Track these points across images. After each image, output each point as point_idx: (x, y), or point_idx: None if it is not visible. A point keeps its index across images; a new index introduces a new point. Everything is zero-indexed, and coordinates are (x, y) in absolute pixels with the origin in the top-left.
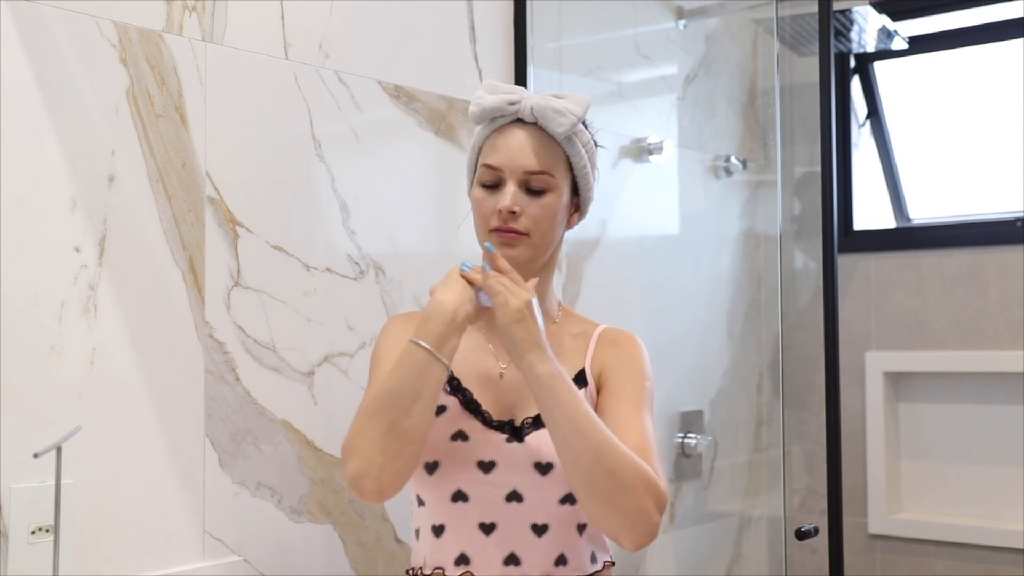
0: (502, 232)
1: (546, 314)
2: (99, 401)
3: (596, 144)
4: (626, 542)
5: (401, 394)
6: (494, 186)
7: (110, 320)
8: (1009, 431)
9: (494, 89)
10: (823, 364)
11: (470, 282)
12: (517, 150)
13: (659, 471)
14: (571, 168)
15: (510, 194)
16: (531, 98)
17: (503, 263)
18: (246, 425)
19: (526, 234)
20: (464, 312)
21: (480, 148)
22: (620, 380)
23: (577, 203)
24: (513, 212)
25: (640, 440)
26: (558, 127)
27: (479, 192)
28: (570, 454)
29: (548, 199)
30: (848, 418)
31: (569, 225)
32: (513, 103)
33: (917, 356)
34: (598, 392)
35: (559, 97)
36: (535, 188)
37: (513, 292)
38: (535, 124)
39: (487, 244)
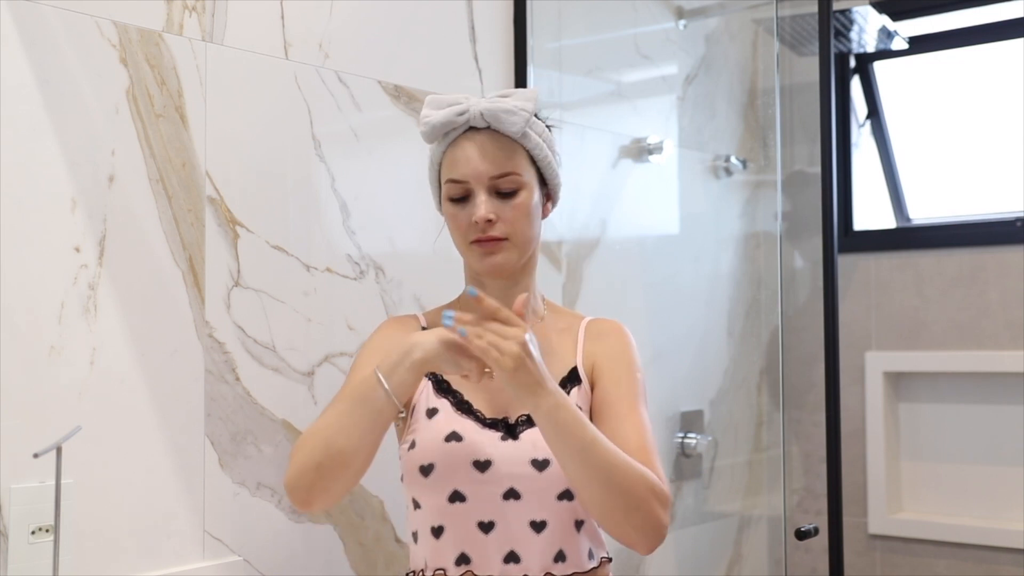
0: (482, 242)
1: (532, 313)
2: (99, 401)
3: (549, 128)
4: (641, 549)
5: (339, 420)
6: (463, 199)
7: (110, 320)
8: (1009, 431)
9: (438, 104)
10: (823, 364)
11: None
12: (478, 159)
13: (660, 471)
14: (534, 162)
15: (482, 203)
16: (478, 103)
17: (489, 304)
18: (246, 425)
19: (506, 239)
20: (420, 353)
21: (439, 165)
22: (614, 377)
23: (547, 192)
24: (489, 220)
25: (640, 439)
26: (512, 127)
27: (451, 208)
28: (581, 481)
29: (520, 198)
30: (848, 418)
31: (544, 214)
32: (461, 113)
33: (917, 356)
34: (592, 387)
35: (505, 96)
36: (505, 191)
37: (502, 344)
38: (488, 128)
39: (468, 289)
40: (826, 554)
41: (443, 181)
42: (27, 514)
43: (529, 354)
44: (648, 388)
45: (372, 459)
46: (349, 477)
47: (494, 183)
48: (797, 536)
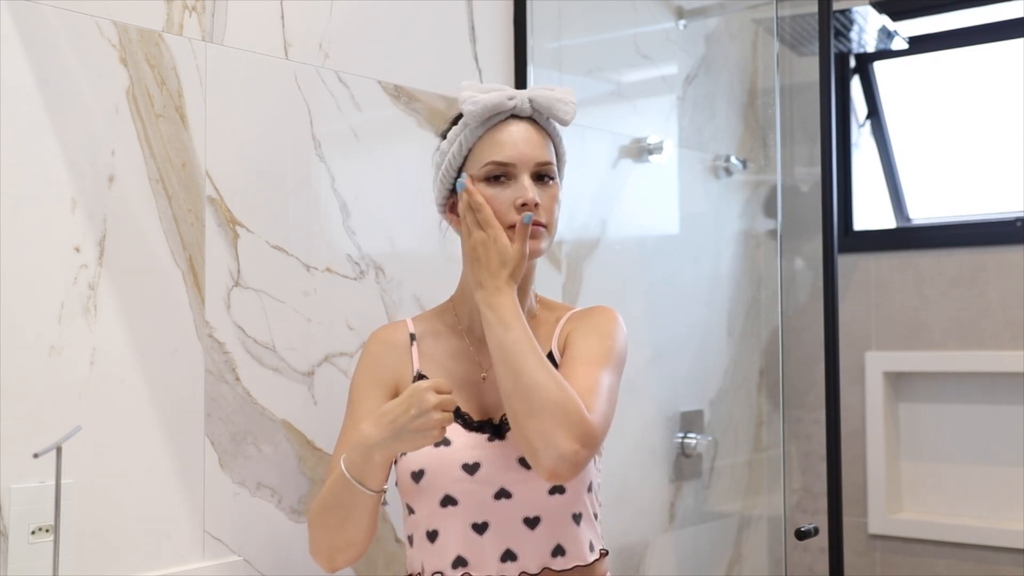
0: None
1: (526, 311)
2: (99, 401)
3: None
4: (539, 469)
5: (334, 512)
6: (501, 182)
7: (110, 320)
8: (1009, 431)
9: (482, 89)
10: (823, 364)
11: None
12: (524, 143)
13: (598, 410)
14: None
15: (529, 187)
16: (524, 92)
17: (474, 200)
18: (246, 425)
19: (545, 226)
20: (382, 452)
21: (470, 149)
22: (576, 343)
23: None
24: (536, 204)
25: (584, 384)
26: (566, 116)
27: (489, 189)
28: (499, 382)
29: (555, 189)
30: (848, 418)
31: None
32: (511, 98)
33: (917, 356)
34: None
35: (550, 89)
36: (545, 179)
37: (472, 233)
38: (529, 118)
39: (459, 180)
40: (826, 554)
41: (482, 164)
42: (27, 514)
43: (482, 255)
44: (648, 388)
45: (376, 526)
46: (360, 549)
47: (538, 169)
48: (797, 536)
